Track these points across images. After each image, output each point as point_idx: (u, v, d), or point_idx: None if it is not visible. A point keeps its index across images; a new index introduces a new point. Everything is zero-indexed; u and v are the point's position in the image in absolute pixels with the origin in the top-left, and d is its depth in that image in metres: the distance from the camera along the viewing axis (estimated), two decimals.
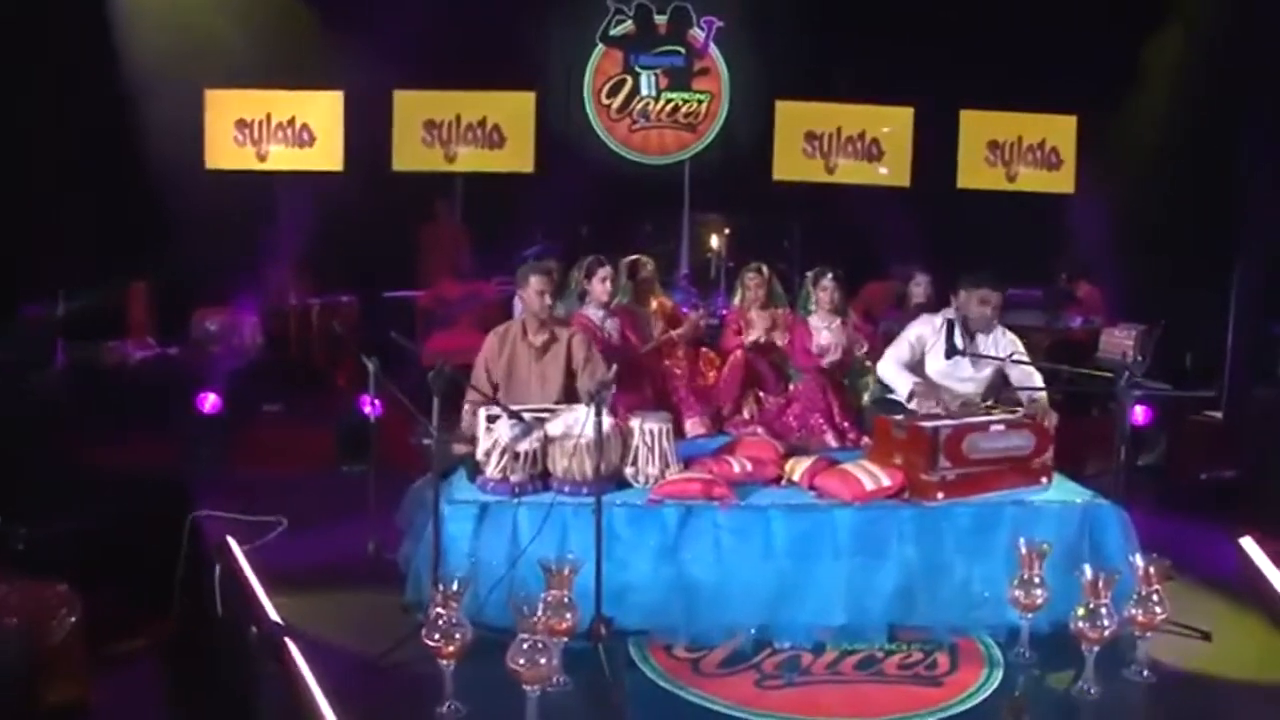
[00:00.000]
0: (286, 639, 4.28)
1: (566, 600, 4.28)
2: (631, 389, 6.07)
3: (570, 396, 5.49)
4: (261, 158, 10.03)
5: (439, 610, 4.04)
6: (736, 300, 6.87)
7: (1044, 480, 5.10)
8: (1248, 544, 5.78)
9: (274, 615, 4.56)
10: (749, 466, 5.12)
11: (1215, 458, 7.42)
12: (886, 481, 4.85)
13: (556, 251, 8.76)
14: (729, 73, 10.40)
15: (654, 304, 6.79)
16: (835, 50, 9.99)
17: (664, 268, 9.82)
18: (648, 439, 5.01)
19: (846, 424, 6.08)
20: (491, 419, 4.96)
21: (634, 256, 6.78)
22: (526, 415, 4.96)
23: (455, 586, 4.11)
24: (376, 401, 6.89)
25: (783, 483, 5.12)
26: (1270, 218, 8.36)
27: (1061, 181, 10.28)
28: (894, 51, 9.70)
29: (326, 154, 10.03)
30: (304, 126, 10.03)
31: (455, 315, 8.97)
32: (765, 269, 6.77)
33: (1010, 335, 5.73)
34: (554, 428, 4.92)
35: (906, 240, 9.11)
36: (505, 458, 4.90)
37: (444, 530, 4.74)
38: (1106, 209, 9.56)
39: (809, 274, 6.54)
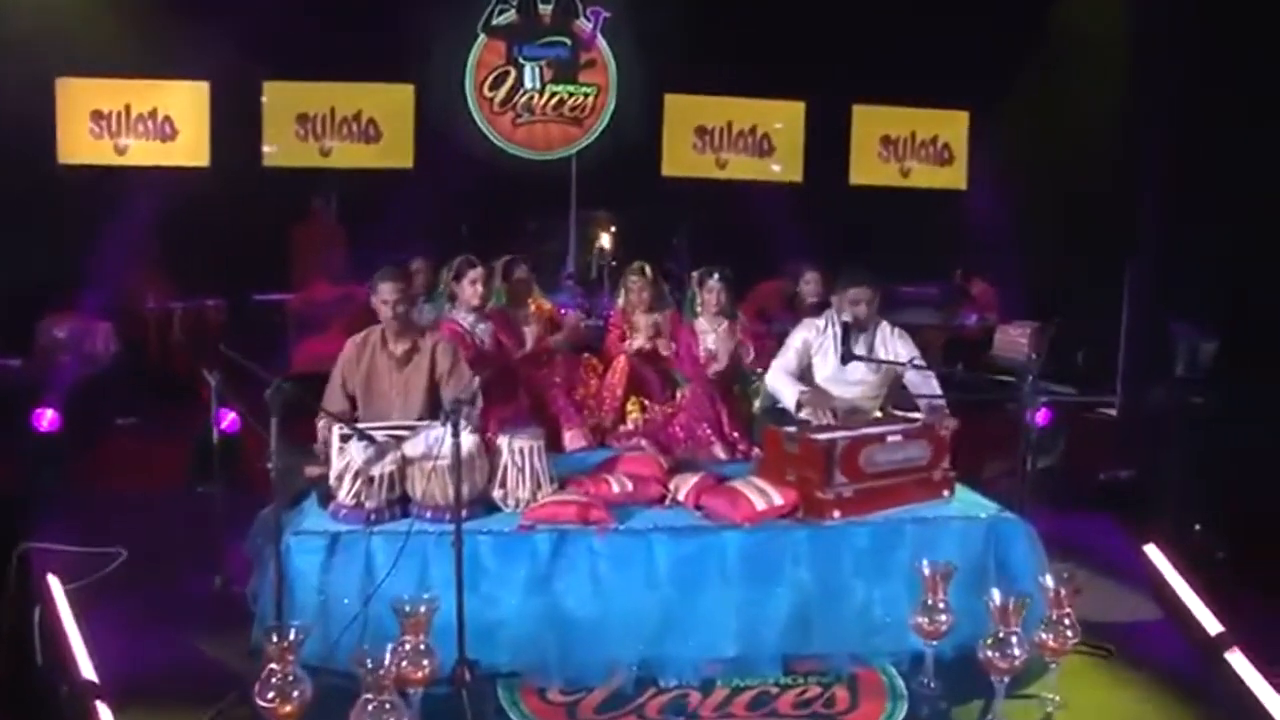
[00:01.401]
0: (97, 701, 3.68)
1: (423, 646, 3.73)
2: (505, 400, 5.56)
3: (435, 411, 4.93)
4: (120, 151, 9.41)
5: (273, 666, 3.47)
6: (620, 303, 6.37)
7: (946, 493, 4.69)
8: (1152, 551, 5.50)
9: (87, 669, 3.94)
10: (629, 486, 4.61)
11: (1112, 457, 7.15)
12: (779, 500, 4.38)
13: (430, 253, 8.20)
14: (616, 65, 9.84)
15: (531, 307, 6.25)
16: (726, 43, 9.51)
17: (550, 268, 9.36)
18: (517, 458, 4.47)
19: (736, 434, 5.62)
20: (345, 438, 4.38)
21: (509, 256, 6.23)
22: (380, 435, 4.39)
23: (293, 635, 3.54)
24: (233, 416, 6.31)
25: (667, 502, 4.62)
26: (1162, 214, 8.15)
27: (954, 177, 10.11)
28: (786, 45, 9.32)
29: (191, 148, 9.46)
30: (166, 119, 9.46)
31: (328, 319, 8.29)
32: (649, 270, 6.29)
33: (905, 337, 5.32)
34: (412, 447, 4.36)
35: (799, 237, 8.72)
36: (359, 482, 4.33)
37: (290, 565, 4.17)
38: (999, 205, 9.31)
39: (694, 275, 6.06)
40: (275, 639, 3.51)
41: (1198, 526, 5.96)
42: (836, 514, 4.34)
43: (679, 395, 5.90)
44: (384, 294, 4.90)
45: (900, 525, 4.42)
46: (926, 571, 4.12)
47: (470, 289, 5.72)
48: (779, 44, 9.33)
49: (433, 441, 4.34)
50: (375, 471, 4.31)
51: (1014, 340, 8.69)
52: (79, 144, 9.19)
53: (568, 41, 9.81)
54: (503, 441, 4.50)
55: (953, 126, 10.07)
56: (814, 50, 9.29)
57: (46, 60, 8.79)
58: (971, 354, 8.87)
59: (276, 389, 4.02)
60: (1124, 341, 8.28)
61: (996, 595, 3.92)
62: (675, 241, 9.43)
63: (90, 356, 8.04)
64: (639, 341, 6.07)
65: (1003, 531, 4.48)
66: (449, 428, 3.86)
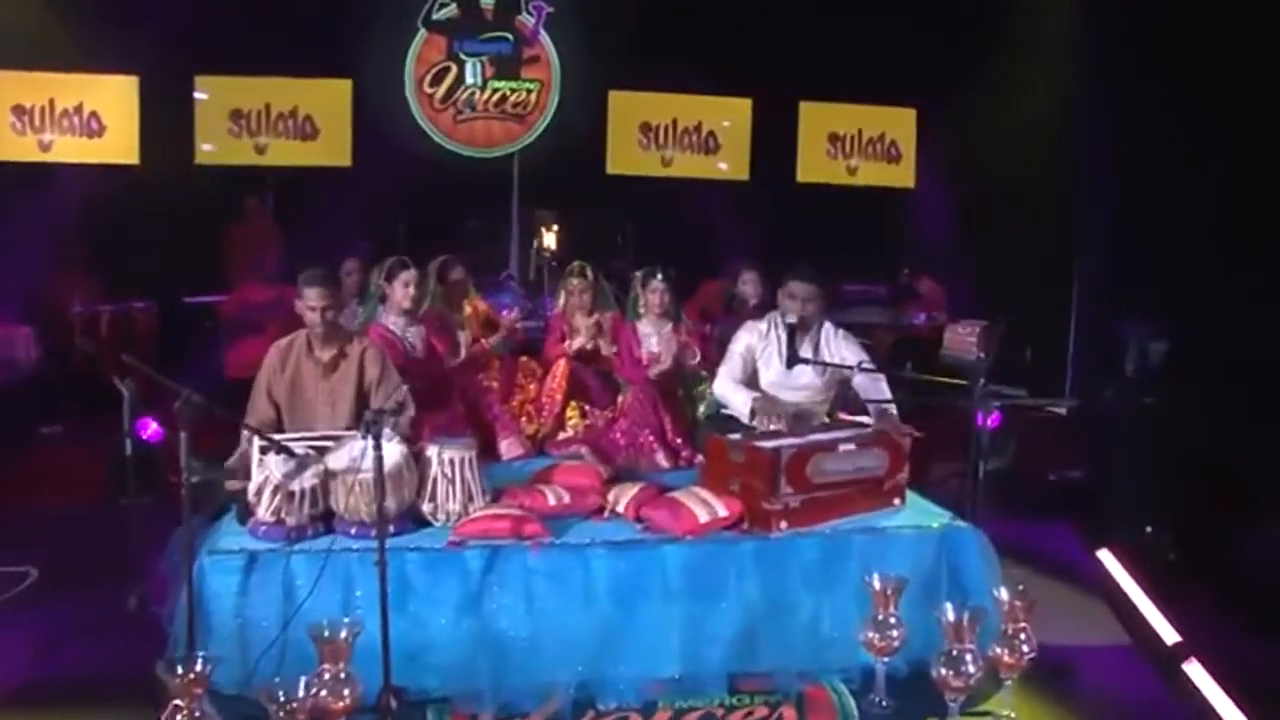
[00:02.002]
0: None
1: (343, 674, 3.46)
2: (439, 407, 5.29)
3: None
4: (44, 148, 8.95)
5: (177, 701, 3.18)
6: (560, 304, 6.12)
7: (897, 501, 4.48)
8: (1105, 557, 5.36)
9: None
10: (566, 497, 4.35)
11: (1062, 457, 7.01)
12: (723, 511, 4.14)
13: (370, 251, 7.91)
14: (560, 61, 9.58)
15: (468, 309, 5.99)
16: (671, 39, 9.26)
17: (493, 268, 9.09)
18: (447, 469, 4.20)
19: (679, 441, 5.39)
20: (265, 450, 4.08)
21: (444, 257, 5.96)
22: (301, 447, 4.10)
23: (200, 666, 3.26)
24: (156, 425, 5.99)
25: (606, 514, 4.36)
26: (1111, 213, 8.03)
27: (901, 175, 9.96)
28: (732, 41, 9.14)
29: (119, 145, 9.03)
30: (93, 114, 9.04)
31: (262, 322, 7.96)
32: (590, 270, 6.04)
33: (850, 338, 5.11)
34: (336, 460, 4.08)
35: (746, 236, 8.51)
36: (278, 497, 4.04)
37: (205, 586, 3.90)
38: (947, 203, 9.17)
39: (636, 275, 5.82)
40: (179, 670, 3.23)
41: (1149, 528, 5.83)
42: (783, 525, 4.12)
43: (621, 400, 5.65)
44: (310, 299, 4.61)
45: (849, 536, 4.20)
46: (877, 585, 3.91)
47: (402, 291, 5.44)
48: (725, 40, 9.19)
49: (357, 454, 4.07)
50: (296, 486, 4.03)
51: (963, 339, 8.55)
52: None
53: (510, 37, 9.54)
54: (432, 452, 4.23)
55: (900, 124, 9.92)
56: (760, 47, 9.15)
57: None
58: (920, 353, 8.73)
59: (186, 401, 3.74)
60: (1073, 341, 8.16)
61: (950, 611, 3.72)
62: (620, 240, 9.20)
63: (10, 363, 7.67)
64: (579, 342, 5.82)
65: (955, 541, 4.28)
66: (369, 440, 3.58)
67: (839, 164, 9.87)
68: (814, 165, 9.81)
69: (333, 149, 9.24)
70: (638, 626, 4.01)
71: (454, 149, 9.51)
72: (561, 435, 5.58)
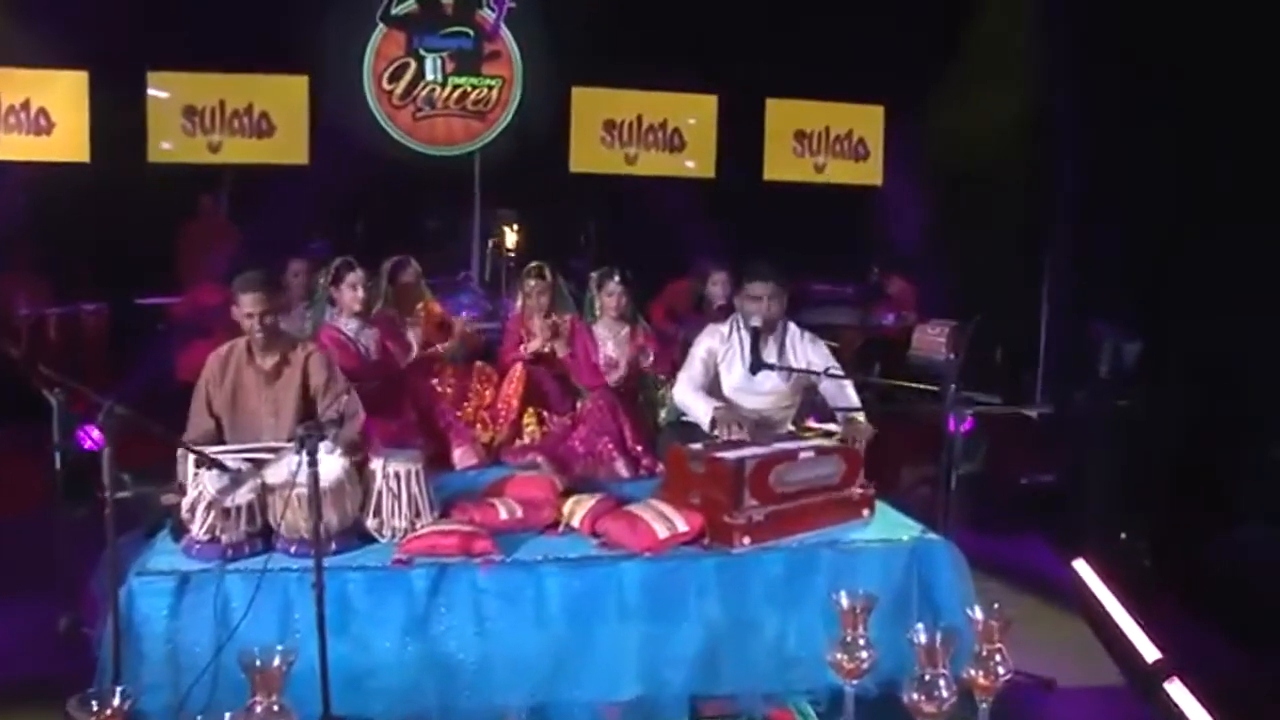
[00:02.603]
0: None
1: (277, 706, 3.20)
2: (390, 414, 5.04)
3: None
4: None
5: None
6: (517, 306, 5.88)
7: (866, 512, 4.26)
8: (1081, 568, 5.17)
9: None
10: (519, 511, 4.11)
11: (1034, 462, 6.82)
12: (683, 526, 3.91)
13: (328, 251, 7.65)
14: (522, 57, 9.27)
15: (421, 311, 5.72)
16: (635, 34, 9.01)
17: (453, 268, 8.84)
18: (392, 483, 3.95)
19: (640, 449, 5.15)
20: (199, 464, 3.82)
21: (396, 258, 5.70)
22: (235, 461, 3.84)
23: (117, 701, 2.98)
24: (97, 433, 5.72)
25: (560, 529, 4.12)
26: (1080, 211, 7.86)
27: (869, 173, 9.75)
28: (698, 37, 8.89)
29: (68, 142, 8.67)
30: (41, 111, 8.65)
31: (214, 324, 7.66)
32: (548, 271, 5.80)
33: (817, 341, 4.88)
34: (273, 474, 3.82)
35: (711, 235, 8.29)
36: (213, 513, 3.78)
37: (134, 609, 3.64)
38: (916, 201, 8.98)
39: (593, 275, 5.57)
40: (94, 708, 2.96)
41: (1123, 534, 5.65)
42: (746, 540, 3.89)
43: (580, 405, 5.42)
44: (246, 306, 4.35)
45: (815, 551, 3.98)
46: (845, 604, 3.67)
47: (350, 294, 5.21)
48: (690, 36, 8.90)
49: (295, 467, 3.82)
50: (230, 502, 3.77)
51: (932, 340, 8.34)
52: None
53: (470, 32, 9.22)
54: (376, 465, 3.98)
55: (868, 121, 9.73)
56: (726, 43, 8.92)
57: None
58: (889, 354, 8.55)
59: (109, 412, 3.47)
60: (1044, 341, 7.98)
61: (922, 632, 3.48)
62: (582, 240, 8.97)
63: None
64: (534, 345, 5.59)
65: (927, 555, 4.06)
66: (304, 456, 3.32)
67: (806, 162, 9.67)
68: (781, 163, 9.60)
69: (289, 146, 8.93)
70: (594, 648, 3.78)
71: (414, 147, 9.19)
72: (518, 443, 5.34)
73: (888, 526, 4.23)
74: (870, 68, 8.86)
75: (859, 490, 4.22)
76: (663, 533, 3.87)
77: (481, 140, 9.31)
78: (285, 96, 8.94)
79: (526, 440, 5.34)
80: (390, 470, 3.95)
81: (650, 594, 3.82)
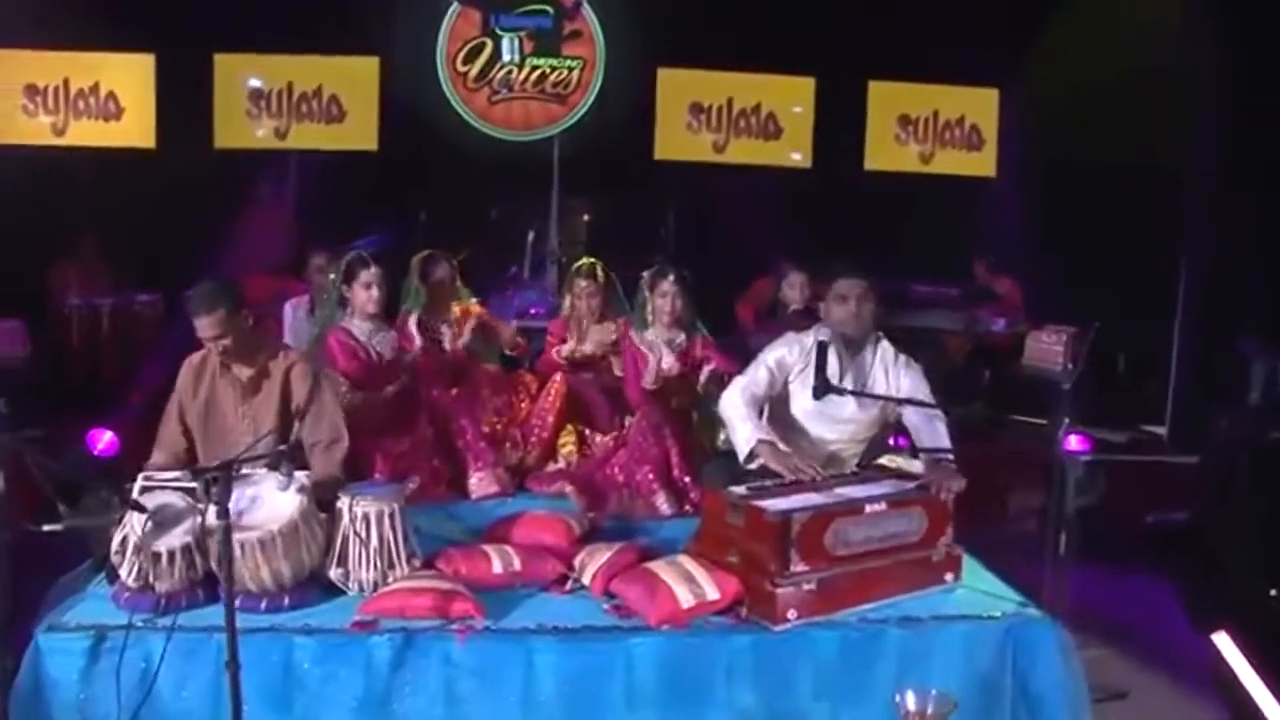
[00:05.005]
0: None
1: None
2: (403, 429, 4.30)
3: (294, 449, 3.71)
4: (58, 131, 8.14)
5: None
6: (565, 309, 5.07)
7: (949, 577, 3.34)
8: (1221, 641, 4.15)
9: None
10: (516, 563, 3.29)
11: (1163, 497, 5.76)
12: (712, 593, 3.06)
13: (390, 243, 7.00)
14: (604, 36, 8.47)
15: (456, 311, 4.96)
16: (727, 11, 8.13)
17: (530, 261, 8.14)
18: (360, 527, 3.17)
19: (688, 480, 4.24)
20: (122, 501, 3.09)
21: (426, 252, 4.95)
22: (167, 495, 3.11)
23: None
24: (110, 436, 5.15)
25: (569, 586, 3.30)
26: (1226, 205, 6.71)
27: (982, 163, 8.69)
28: (794, 14, 7.98)
29: (136, 128, 8.21)
30: (110, 95, 8.18)
31: (263, 316, 7.10)
32: (601, 269, 4.99)
33: (913, 366, 3.92)
34: (215, 512, 3.07)
35: (806, 229, 7.40)
36: (142, 557, 3.06)
37: (42, 670, 2.96)
38: (1032, 194, 7.93)
39: (645, 275, 4.71)
40: None
41: (1275, 592, 4.60)
42: (791, 614, 3.01)
43: (629, 423, 4.58)
44: (200, 331, 3.66)
45: (881, 630, 3.07)
46: (912, 706, 2.80)
47: (364, 293, 4.49)
48: (786, 13, 8.01)
49: (244, 504, 3.09)
50: (161, 547, 3.04)
51: (1047, 348, 7.28)
52: (11, 123, 8.05)
53: (550, 10, 8.46)
54: (342, 503, 3.21)
55: (981, 106, 8.65)
56: (825, 20, 7.97)
57: None
58: (998, 363, 7.55)
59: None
60: (1176, 355, 6.86)
61: None
62: (663, 233, 8.13)
63: None
64: (578, 351, 4.80)
65: (1026, 638, 3.13)
66: (209, 500, 2.58)
67: (911, 150, 8.66)
68: (883, 151, 8.61)
69: (358, 132, 8.29)
70: None
71: (489, 132, 8.47)
72: (550, 467, 4.55)
73: (976, 596, 3.29)
74: (984, 45, 7.83)
75: (943, 550, 3.31)
76: (687, 600, 3.03)
77: (561, 125, 8.53)
78: (355, 79, 8.32)
79: (560, 464, 4.54)
80: (358, 511, 3.17)
81: (668, 678, 2.98)
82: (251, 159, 8.31)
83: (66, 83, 8.16)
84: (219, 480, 2.56)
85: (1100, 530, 5.32)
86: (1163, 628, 4.47)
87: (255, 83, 8.29)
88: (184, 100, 8.16)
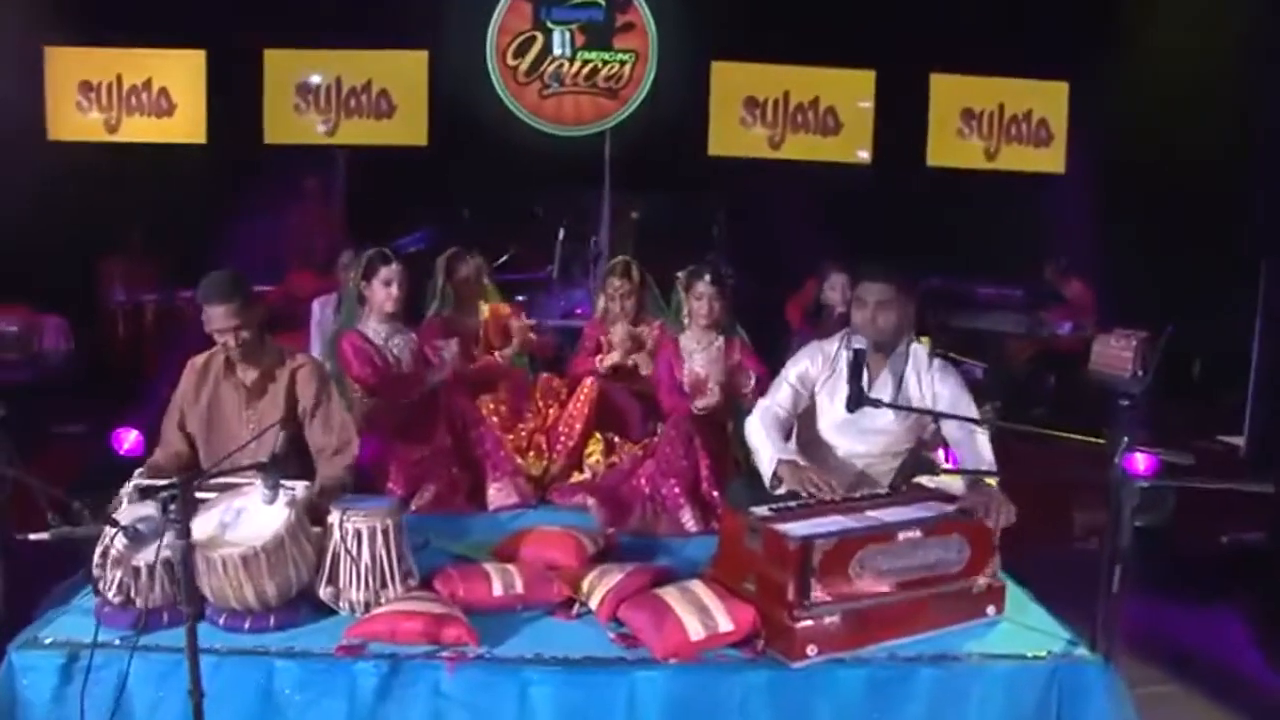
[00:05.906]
0: None
1: None
2: (421, 437, 4.09)
3: (298, 454, 3.54)
4: (111, 128, 8.13)
5: None
6: (599, 310, 4.83)
7: (991, 610, 3.02)
8: None
9: None
10: (518, 585, 3.04)
11: (1239, 514, 5.34)
12: (726, 624, 2.78)
13: (435, 241, 6.86)
14: (657, 29, 8.22)
15: (484, 311, 4.74)
16: (783, 2, 7.82)
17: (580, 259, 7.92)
18: (351, 544, 2.95)
19: (716, 495, 3.96)
20: (95, 515, 2.90)
21: (453, 250, 4.75)
22: (141, 511, 2.91)
23: None
24: (136, 435, 5.03)
25: (575, 610, 3.05)
26: None
27: (1051, 160, 8.29)
28: (853, 4, 7.69)
29: (187, 124, 8.20)
30: (162, 91, 8.17)
31: (306, 315, 6.97)
32: (636, 269, 4.74)
33: (952, 372, 3.60)
34: (201, 526, 2.88)
35: (862, 229, 7.07)
36: (121, 572, 2.88)
37: (15, 690, 2.79)
38: (1102, 191, 7.52)
39: (680, 275, 4.42)
40: None
41: None
42: (812, 650, 2.73)
43: (660, 432, 4.31)
44: (215, 322, 3.50)
45: (912, 669, 2.77)
46: None
47: (383, 291, 4.28)
48: (844, 3, 7.76)
49: (229, 518, 2.90)
50: (140, 561, 2.85)
51: (1116, 353, 6.95)
52: (66, 118, 8.13)
53: (602, 3, 8.24)
54: (333, 518, 2.99)
55: (1050, 100, 8.25)
56: (885, 11, 7.69)
57: (34, 30, 7.70)
58: (1064, 369, 7.19)
59: None
60: (1255, 361, 6.41)
61: None
62: (716, 231, 7.85)
63: (38, 355, 6.84)
64: (613, 358, 4.55)
65: (1074, 681, 2.80)
66: (165, 517, 2.37)
67: (975, 145, 8.29)
68: (946, 147, 8.25)
69: (408, 127, 8.19)
70: None
71: (540, 126, 8.27)
72: (575, 477, 4.30)
73: (1020, 632, 2.97)
74: (1053, 36, 7.45)
75: (985, 581, 2.99)
76: (697, 632, 2.76)
77: (613, 119, 8.30)
78: (405, 73, 8.23)
79: (586, 474, 4.29)
80: (349, 527, 2.95)
81: (673, 716, 2.70)
82: (301, 154, 8.22)
83: (119, 79, 8.19)
84: (178, 498, 2.35)
85: (1167, 552, 4.98)
86: (1235, 662, 4.10)
87: (307, 78, 8.20)
88: (234, 96, 8.11)
